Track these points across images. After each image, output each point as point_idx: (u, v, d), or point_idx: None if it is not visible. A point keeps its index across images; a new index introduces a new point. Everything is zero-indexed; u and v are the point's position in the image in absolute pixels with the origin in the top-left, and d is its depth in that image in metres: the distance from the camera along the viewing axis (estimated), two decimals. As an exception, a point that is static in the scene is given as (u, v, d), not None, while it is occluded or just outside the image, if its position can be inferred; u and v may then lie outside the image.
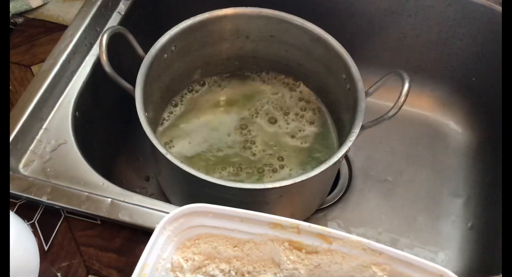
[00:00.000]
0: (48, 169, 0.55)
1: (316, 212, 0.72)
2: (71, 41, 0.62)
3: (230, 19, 0.63)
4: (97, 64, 0.62)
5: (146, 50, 0.58)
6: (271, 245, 0.42)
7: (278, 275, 0.43)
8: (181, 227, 0.41)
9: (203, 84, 0.71)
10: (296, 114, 0.69)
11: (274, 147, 0.66)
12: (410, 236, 0.72)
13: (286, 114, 0.69)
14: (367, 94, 0.57)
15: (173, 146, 0.65)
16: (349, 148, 0.53)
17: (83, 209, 0.51)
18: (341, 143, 0.56)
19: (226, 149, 0.65)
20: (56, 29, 0.69)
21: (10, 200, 0.53)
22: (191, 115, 0.68)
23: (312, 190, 0.62)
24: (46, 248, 0.51)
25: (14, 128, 0.55)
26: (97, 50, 0.63)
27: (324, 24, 0.61)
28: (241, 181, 0.63)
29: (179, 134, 0.66)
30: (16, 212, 0.53)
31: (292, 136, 0.67)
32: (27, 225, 0.52)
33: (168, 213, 0.41)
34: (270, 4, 0.63)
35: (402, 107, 0.53)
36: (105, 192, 0.53)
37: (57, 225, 0.52)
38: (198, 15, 0.61)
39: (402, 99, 0.52)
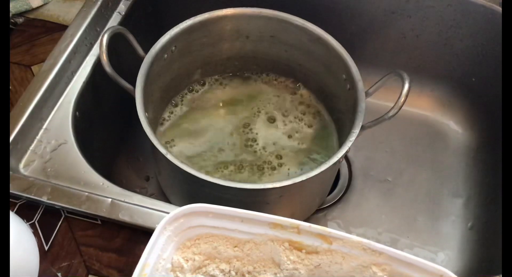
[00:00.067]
0: (48, 169, 0.55)
1: (316, 212, 0.72)
2: (71, 41, 0.62)
3: (230, 19, 0.63)
4: (97, 64, 0.62)
5: (146, 50, 0.58)
6: (271, 245, 0.42)
7: (278, 275, 0.43)
8: (181, 227, 0.41)
9: (203, 84, 0.71)
10: (295, 117, 0.69)
11: (273, 145, 0.66)
12: (410, 236, 0.72)
13: (286, 116, 0.69)
14: (367, 94, 0.57)
15: (174, 146, 0.65)
16: (349, 148, 0.53)
17: (83, 209, 0.51)
18: (341, 143, 0.56)
19: (227, 148, 0.65)
20: (56, 29, 0.69)
21: (10, 200, 0.53)
22: (192, 114, 0.68)
23: (312, 190, 0.62)
24: (46, 248, 0.51)
25: (14, 128, 0.55)
26: (97, 50, 0.63)
27: (324, 24, 0.61)
28: (242, 179, 0.63)
29: (180, 134, 0.66)
30: (16, 212, 0.53)
31: (289, 136, 0.67)
32: (27, 225, 0.52)
33: (168, 213, 0.41)
34: (270, 4, 0.63)
35: (402, 107, 0.53)
36: (105, 192, 0.53)
37: (57, 225, 0.52)
38: (198, 15, 0.61)
39: (402, 99, 0.52)
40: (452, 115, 0.82)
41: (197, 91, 0.70)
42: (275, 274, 0.43)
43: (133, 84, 0.55)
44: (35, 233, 0.52)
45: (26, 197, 0.52)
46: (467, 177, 0.77)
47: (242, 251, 0.43)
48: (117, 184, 0.54)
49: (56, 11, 0.71)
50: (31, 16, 0.71)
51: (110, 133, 0.71)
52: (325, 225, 0.66)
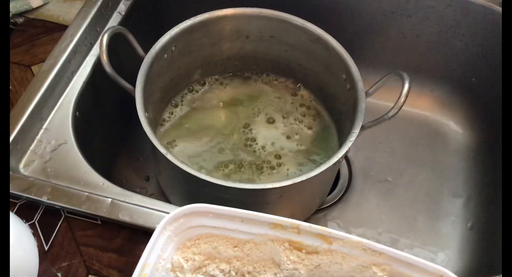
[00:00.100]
0: (48, 169, 0.55)
1: (316, 212, 0.72)
2: (71, 41, 0.62)
3: (230, 19, 0.63)
4: (98, 64, 0.62)
5: (146, 50, 0.58)
6: (271, 245, 0.42)
7: (278, 275, 0.43)
8: (181, 227, 0.41)
9: (204, 84, 0.71)
10: (296, 119, 0.68)
11: (272, 146, 0.66)
12: (410, 236, 0.72)
13: (286, 118, 0.69)
14: (367, 94, 0.57)
15: (176, 146, 0.65)
16: (349, 148, 0.53)
17: (83, 209, 0.51)
18: (341, 143, 0.56)
19: (227, 148, 0.65)
20: (56, 29, 0.69)
21: (10, 200, 0.53)
22: (192, 115, 0.68)
23: (312, 190, 0.62)
24: (46, 248, 0.51)
25: (14, 128, 0.55)
26: (98, 50, 0.63)
27: (324, 24, 0.61)
28: (242, 177, 0.63)
29: (180, 134, 0.66)
30: (16, 212, 0.53)
31: (288, 137, 0.67)
32: (27, 225, 0.52)
33: (168, 213, 0.41)
34: (270, 4, 0.63)
35: (402, 107, 0.53)
36: (105, 192, 0.53)
37: (57, 225, 0.52)
38: (198, 15, 0.61)
39: (402, 99, 0.52)
40: (452, 115, 0.82)
41: (197, 91, 0.70)
42: (275, 274, 0.43)
43: (133, 84, 0.55)
44: (35, 233, 0.52)
45: (26, 197, 0.52)
46: (467, 177, 0.77)
47: (242, 251, 0.43)
48: (117, 184, 0.54)
49: (56, 11, 0.71)
50: (31, 16, 0.71)
51: (110, 133, 0.71)
52: (325, 225, 0.66)
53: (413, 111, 0.82)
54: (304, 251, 0.42)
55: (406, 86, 0.52)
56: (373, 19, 0.76)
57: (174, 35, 0.59)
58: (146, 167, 0.74)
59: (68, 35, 0.62)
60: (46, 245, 0.51)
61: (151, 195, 0.71)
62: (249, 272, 0.43)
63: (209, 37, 0.64)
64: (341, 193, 0.75)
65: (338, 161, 0.52)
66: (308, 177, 0.50)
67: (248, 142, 0.66)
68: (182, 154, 0.65)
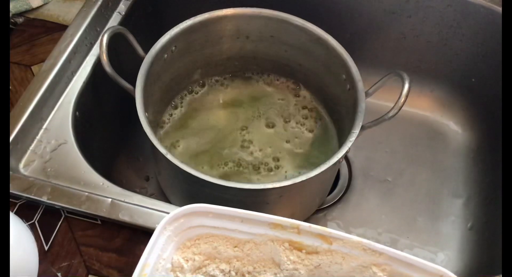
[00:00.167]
0: (48, 169, 0.55)
1: (316, 212, 0.72)
2: (71, 41, 0.62)
3: (230, 19, 0.63)
4: (98, 64, 0.62)
5: (146, 50, 0.58)
6: (271, 245, 0.42)
7: (278, 275, 0.43)
8: (181, 227, 0.41)
9: (203, 85, 0.71)
10: (297, 122, 0.68)
11: (269, 148, 0.66)
12: (410, 236, 0.72)
13: (287, 121, 0.68)
14: (367, 94, 0.57)
15: (179, 146, 0.65)
16: (349, 148, 0.53)
17: (83, 209, 0.51)
18: (341, 143, 0.56)
19: (226, 149, 0.65)
20: (56, 29, 0.69)
21: (10, 200, 0.53)
22: (192, 116, 0.68)
23: (312, 191, 0.62)
24: (46, 248, 0.51)
25: (14, 128, 0.55)
26: (98, 50, 0.63)
27: (324, 24, 0.61)
28: (241, 178, 0.63)
29: (180, 135, 0.66)
30: (16, 212, 0.53)
31: (287, 141, 0.67)
32: (27, 225, 0.52)
33: (168, 213, 0.41)
34: (270, 4, 0.63)
35: (402, 108, 0.53)
36: (105, 192, 0.53)
37: (57, 225, 0.52)
38: (198, 15, 0.61)
39: (402, 99, 0.52)
40: (452, 115, 0.82)
41: (196, 93, 0.70)
42: (275, 274, 0.43)
43: (133, 84, 0.55)
44: (35, 233, 0.52)
45: (26, 197, 0.52)
46: (467, 177, 0.77)
47: (242, 251, 0.43)
48: (117, 184, 0.54)
49: (56, 11, 0.71)
50: (31, 16, 0.71)
51: (110, 133, 0.71)
52: (325, 225, 0.66)
53: (413, 111, 0.82)
54: (304, 251, 0.42)
55: (406, 86, 0.52)
56: (373, 19, 0.76)
57: (174, 35, 0.59)
58: (146, 167, 0.74)
59: (68, 35, 0.62)
60: (46, 245, 0.51)
61: (151, 195, 0.71)
62: (249, 272, 0.43)
63: (209, 37, 0.64)
64: (341, 193, 0.75)
65: (338, 161, 0.52)
66: (308, 177, 0.50)
67: (245, 144, 0.66)
68: (180, 155, 0.65)
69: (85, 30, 0.63)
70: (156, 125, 0.66)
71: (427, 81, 0.81)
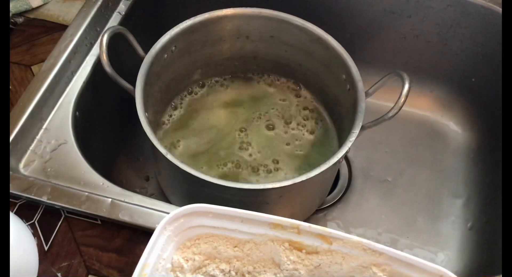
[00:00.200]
0: (48, 169, 0.55)
1: (315, 212, 0.72)
2: (71, 41, 0.62)
3: (230, 19, 0.63)
4: (97, 64, 0.62)
5: (146, 50, 0.58)
6: (271, 245, 0.42)
7: (278, 275, 0.43)
8: (181, 227, 0.41)
9: (203, 86, 0.71)
10: (298, 124, 0.68)
11: (268, 150, 0.66)
12: (410, 236, 0.72)
13: (288, 123, 0.68)
14: (367, 94, 0.57)
15: (179, 146, 0.65)
16: (349, 148, 0.53)
17: (83, 209, 0.51)
18: (341, 143, 0.56)
19: (226, 150, 0.65)
20: (56, 29, 0.69)
21: (10, 200, 0.53)
22: (192, 115, 0.68)
23: (312, 191, 0.62)
24: (46, 248, 0.51)
25: (14, 128, 0.55)
26: (97, 50, 0.63)
27: (324, 24, 0.61)
28: (240, 178, 0.63)
29: (179, 135, 0.66)
30: (16, 212, 0.53)
31: (288, 144, 0.66)
32: (27, 225, 0.52)
33: (168, 213, 0.41)
34: (270, 4, 0.63)
35: (402, 108, 0.53)
36: (105, 192, 0.53)
37: (57, 225, 0.52)
38: (198, 15, 0.61)
39: (402, 99, 0.52)
40: (452, 115, 0.82)
41: (196, 93, 0.70)
42: (275, 274, 0.43)
43: (133, 84, 0.55)
44: (35, 233, 0.52)
45: (26, 197, 0.52)
46: (467, 177, 0.77)
47: (242, 251, 0.43)
48: (117, 184, 0.54)
49: (56, 11, 0.71)
50: (31, 16, 0.71)
51: (110, 133, 0.71)
52: (325, 225, 0.66)
53: (413, 111, 0.82)
54: (304, 251, 0.42)
55: (406, 86, 0.52)
56: (373, 19, 0.76)
57: (174, 35, 0.59)
58: (146, 167, 0.74)
59: (68, 35, 0.62)
60: (46, 245, 0.51)
61: (151, 195, 0.71)
62: (249, 272, 0.43)
63: (209, 37, 0.64)
64: (341, 193, 0.75)
65: (338, 161, 0.52)
66: (308, 177, 0.50)
67: (244, 146, 0.66)
68: (179, 155, 0.64)
69: (85, 30, 0.63)
70: (156, 125, 0.66)
71: (427, 81, 0.81)
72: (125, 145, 0.75)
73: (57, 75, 0.60)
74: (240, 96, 0.71)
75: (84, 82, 0.61)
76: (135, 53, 0.58)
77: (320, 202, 0.71)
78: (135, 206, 0.52)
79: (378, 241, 0.41)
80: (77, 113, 0.60)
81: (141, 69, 0.56)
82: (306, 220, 0.64)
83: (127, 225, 0.51)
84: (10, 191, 0.52)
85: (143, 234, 0.52)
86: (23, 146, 0.56)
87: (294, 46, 0.65)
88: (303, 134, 0.67)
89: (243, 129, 0.67)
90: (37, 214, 0.53)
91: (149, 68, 0.56)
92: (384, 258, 0.40)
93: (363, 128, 0.54)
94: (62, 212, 0.53)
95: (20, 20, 0.70)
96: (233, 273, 0.43)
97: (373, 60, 0.80)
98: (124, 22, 0.67)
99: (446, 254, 0.71)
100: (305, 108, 0.70)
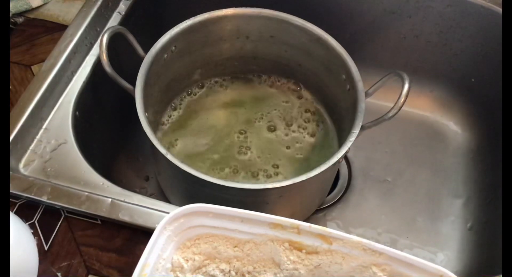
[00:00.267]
0: (48, 169, 0.55)
1: (315, 212, 0.72)
2: (71, 41, 0.62)
3: (230, 19, 0.63)
4: (97, 64, 0.62)
5: (146, 50, 0.58)
6: (271, 245, 0.42)
7: (278, 275, 0.43)
8: (181, 227, 0.41)
9: (202, 86, 0.71)
10: (299, 126, 0.68)
11: (268, 154, 0.65)
12: (410, 236, 0.72)
13: (289, 125, 0.68)
14: (367, 94, 0.57)
15: (177, 145, 0.65)
16: (349, 148, 0.53)
17: (83, 209, 0.51)
18: (341, 143, 0.56)
19: (225, 151, 0.65)
20: (56, 29, 0.69)
21: (10, 200, 0.53)
22: (192, 115, 0.68)
23: (312, 191, 0.62)
24: (46, 248, 0.51)
25: (14, 128, 0.55)
26: (97, 50, 0.63)
27: (324, 24, 0.61)
28: (240, 177, 0.63)
29: (179, 135, 0.66)
30: (16, 212, 0.53)
31: (287, 147, 0.66)
32: (27, 225, 0.52)
33: (168, 213, 0.41)
34: (270, 4, 0.63)
35: (402, 108, 0.53)
36: (105, 192, 0.53)
37: (57, 225, 0.52)
38: (198, 15, 0.61)
39: (402, 99, 0.52)
40: (451, 115, 0.82)
41: (195, 94, 0.70)
42: (275, 274, 0.43)
43: (133, 84, 0.55)
44: (35, 233, 0.52)
45: (26, 197, 0.52)
46: (466, 178, 0.77)
47: (242, 251, 0.43)
48: (117, 184, 0.54)
49: (56, 11, 0.71)
50: (31, 15, 0.71)
51: (110, 133, 0.71)
52: (325, 225, 0.66)
53: (413, 111, 0.82)
54: (304, 251, 0.42)
55: (406, 86, 0.52)
56: (373, 19, 0.76)
57: (174, 35, 0.59)
58: (146, 167, 0.74)
59: (68, 35, 0.62)
60: (46, 245, 0.51)
61: (151, 195, 0.71)
62: (249, 272, 0.43)
63: (209, 37, 0.64)
64: (341, 193, 0.75)
65: (338, 161, 0.52)
66: (308, 177, 0.50)
67: (242, 150, 0.66)
68: (179, 155, 0.64)
69: (85, 30, 0.63)
70: (156, 125, 0.66)
71: (427, 81, 0.81)
72: (125, 145, 0.75)
73: (57, 75, 0.60)
74: (241, 96, 0.71)
75: (84, 82, 0.61)
76: (135, 53, 0.58)
77: (320, 202, 0.71)
78: (135, 206, 0.52)
79: (378, 241, 0.41)
80: (77, 113, 0.60)
81: (141, 69, 0.56)
82: (306, 220, 0.63)
83: (127, 225, 0.51)
84: (10, 191, 0.52)
85: (143, 234, 0.52)
86: (23, 146, 0.56)
87: (294, 46, 0.65)
88: (304, 137, 0.67)
89: (243, 131, 0.67)
90: (37, 214, 0.53)
91: (149, 68, 0.56)
92: (384, 258, 0.40)
93: (363, 128, 0.54)
94: (62, 212, 0.53)
95: (20, 20, 0.70)
96: (233, 273, 0.43)
97: (373, 60, 0.80)
98: (124, 22, 0.67)
99: (446, 254, 0.71)
100: (307, 111, 0.69)
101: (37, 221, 0.52)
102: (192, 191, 0.58)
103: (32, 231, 0.51)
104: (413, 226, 0.73)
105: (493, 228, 0.68)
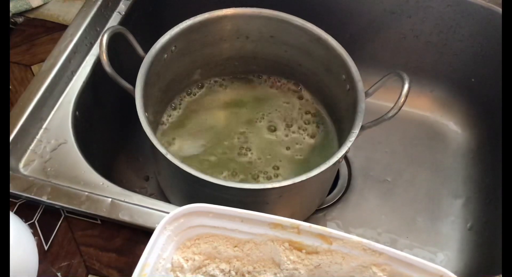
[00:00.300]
0: (48, 169, 0.55)
1: (315, 212, 0.72)
2: (71, 41, 0.62)
3: (230, 19, 0.63)
4: (97, 64, 0.62)
5: (146, 50, 0.58)
6: (271, 245, 0.42)
7: (278, 275, 0.43)
8: (181, 227, 0.41)
9: (202, 86, 0.71)
10: (299, 127, 0.68)
11: (268, 155, 0.65)
12: (410, 236, 0.72)
13: (289, 126, 0.68)
14: (367, 94, 0.57)
15: (174, 145, 0.65)
16: (349, 148, 0.53)
17: (83, 209, 0.51)
18: (341, 143, 0.56)
19: (225, 152, 0.65)
20: (56, 29, 0.69)
21: (10, 199, 0.53)
22: (192, 116, 0.68)
23: (312, 190, 0.62)
24: (46, 248, 0.51)
25: (14, 128, 0.55)
26: (97, 50, 0.63)
27: (324, 24, 0.61)
28: (240, 178, 0.63)
29: (179, 136, 0.66)
30: (16, 212, 0.53)
31: (287, 148, 0.66)
32: (27, 225, 0.52)
33: (168, 213, 0.41)
34: (270, 4, 0.63)
35: (402, 108, 0.53)
36: (105, 192, 0.53)
37: (57, 225, 0.52)
38: (198, 15, 0.61)
39: (402, 99, 0.52)
40: (451, 115, 0.82)
41: (194, 94, 0.70)
42: (275, 274, 0.43)
43: (133, 84, 0.55)
44: (35, 233, 0.52)
45: (26, 196, 0.52)
46: (466, 178, 0.77)
47: (242, 251, 0.43)
48: (117, 184, 0.54)
49: (56, 11, 0.71)
50: (31, 15, 0.71)
51: (110, 133, 0.71)
52: (325, 225, 0.66)
53: (413, 111, 0.82)
54: (304, 251, 0.42)
55: (406, 86, 0.52)
56: (373, 19, 0.76)
57: (174, 35, 0.59)
58: (146, 167, 0.74)
59: (68, 35, 0.62)
60: (46, 244, 0.51)
61: (150, 195, 0.71)
62: (249, 272, 0.43)
63: (209, 37, 0.64)
64: (341, 193, 0.75)
65: (338, 161, 0.52)
66: (308, 177, 0.50)
67: (242, 151, 0.65)
68: (177, 156, 0.64)
69: (85, 30, 0.63)
70: (156, 125, 0.66)
71: (427, 81, 0.81)
72: (125, 145, 0.75)
73: (57, 75, 0.60)
74: (241, 96, 0.71)
75: (84, 82, 0.61)
76: (135, 53, 0.58)
77: (320, 202, 0.71)
78: (135, 206, 0.52)
79: (378, 241, 0.41)
80: (77, 113, 0.60)
81: (141, 69, 0.56)
82: (306, 220, 0.63)
83: (127, 225, 0.51)
84: (10, 190, 0.52)
85: (143, 234, 0.52)
86: (23, 146, 0.56)
87: (294, 46, 0.65)
88: (304, 138, 0.67)
89: (243, 132, 0.67)
90: (37, 214, 0.53)
91: (149, 68, 0.56)
92: (384, 258, 0.40)
93: (363, 128, 0.54)
94: (62, 212, 0.53)
95: (20, 20, 0.70)
96: (233, 273, 0.43)
97: (373, 60, 0.80)
98: (124, 22, 0.67)
99: (445, 254, 0.71)
100: (307, 112, 0.69)
101: (37, 221, 0.52)
102: (192, 191, 0.58)
103: (32, 231, 0.51)
104: (413, 226, 0.73)
105: (493, 228, 0.68)
